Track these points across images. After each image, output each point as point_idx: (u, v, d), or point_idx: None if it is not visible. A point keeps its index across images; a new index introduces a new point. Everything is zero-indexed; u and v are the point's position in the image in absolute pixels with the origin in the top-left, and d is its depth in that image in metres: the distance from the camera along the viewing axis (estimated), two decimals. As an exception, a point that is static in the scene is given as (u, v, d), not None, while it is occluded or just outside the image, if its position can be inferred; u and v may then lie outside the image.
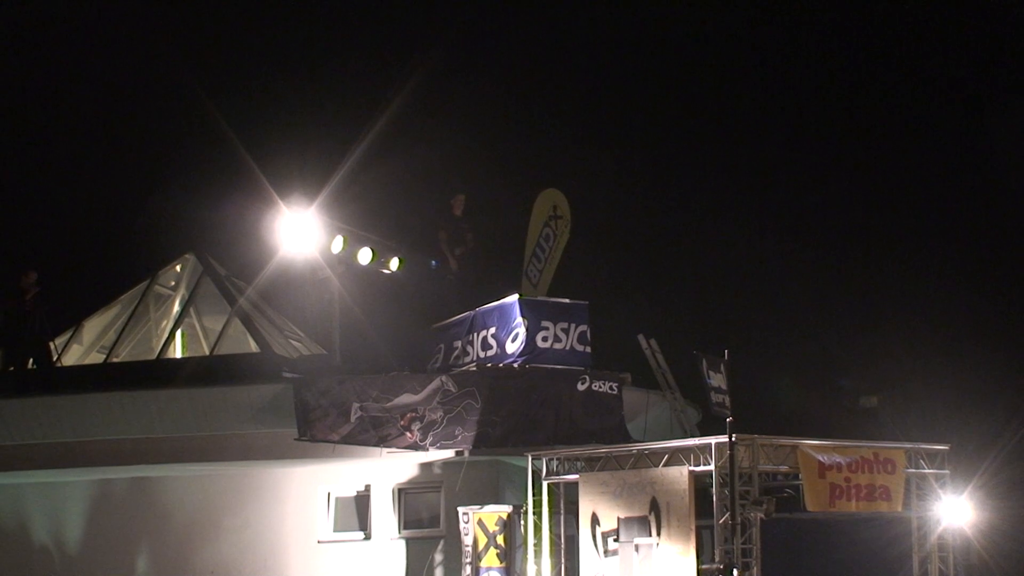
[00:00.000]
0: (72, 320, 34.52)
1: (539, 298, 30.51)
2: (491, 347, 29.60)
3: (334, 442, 28.81)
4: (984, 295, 43.87)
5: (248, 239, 32.73)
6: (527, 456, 28.08)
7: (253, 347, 31.84)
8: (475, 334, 30.09)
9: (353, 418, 28.59)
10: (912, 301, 43.91)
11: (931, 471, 27.10)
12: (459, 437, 28.35)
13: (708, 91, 49.37)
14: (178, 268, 34.55)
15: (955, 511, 27.15)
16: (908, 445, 26.98)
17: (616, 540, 26.19)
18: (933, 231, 46.57)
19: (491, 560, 28.16)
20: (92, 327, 34.60)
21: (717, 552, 25.18)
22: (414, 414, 28.46)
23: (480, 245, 32.84)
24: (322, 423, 28.64)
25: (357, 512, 31.46)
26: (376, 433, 28.57)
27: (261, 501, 32.14)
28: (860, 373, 40.39)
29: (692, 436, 27.92)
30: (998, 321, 42.81)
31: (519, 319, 29.00)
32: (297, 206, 31.09)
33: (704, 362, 25.78)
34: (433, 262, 32.39)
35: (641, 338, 30.12)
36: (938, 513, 27.09)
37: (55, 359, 33.34)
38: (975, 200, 46.45)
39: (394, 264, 32.55)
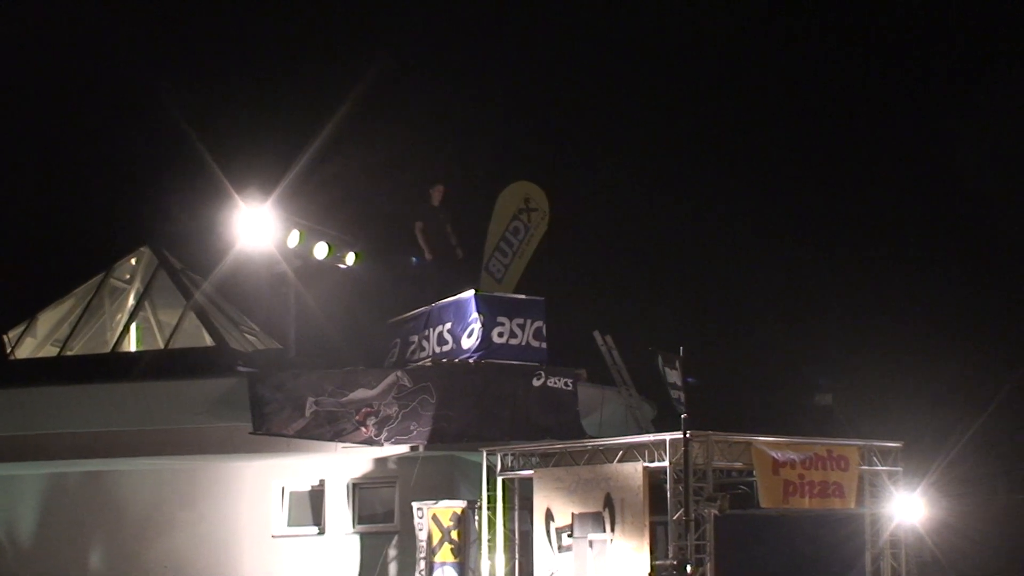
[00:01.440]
0: (26, 313, 34.33)
1: (495, 294, 30.36)
2: (447, 342, 29.47)
3: (289, 436, 28.74)
4: (939, 292, 44.06)
5: (204, 233, 32.57)
6: (482, 451, 28.13)
7: (208, 341, 31.74)
8: (431, 329, 29.97)
9: (308, 413, 28.53)
10: (867, 298, 44.10)
11: (884, 468, 27.13)
12: (414, 432, 28.22)
13: (665, 85, 49.41)
14: (133, 261, 34.32)
15: (908, 508, 27.18)
16: (861, 442, 27.01)
17: (570, 536, 26.13)
18: (889, 227, 46.78)
19: (445, 555, 28.19)
20: (46, 320, 34.38)
21: (671, 548, 24.99)
22: (369, 409, 28.37)
23: (459, 235, 32.57)
24: (277, 417, 28.60)
25: (311, 507, 31.57)
26: (331, 428, 28.50)
27: (215, 495, 32.19)
28: (815, 370, 40.50)
29: (647, 432, 27.88)
30: (952, 318, 43.00)
31: (475, 315, 28.85)
32: (253, 200, 30.98)
33: (660, 358, 25.63)
34: (414, 259, 32.21)
35: (597, 334, 30.21)
36: (891, 510, 27.11)
37: (9, 352, 33.19)
38: (931, 197, 46.65)
39: (350, 259, 32.54)
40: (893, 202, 46.56)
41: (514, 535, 28.02)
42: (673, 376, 25.54)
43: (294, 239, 31.32)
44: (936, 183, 46.36)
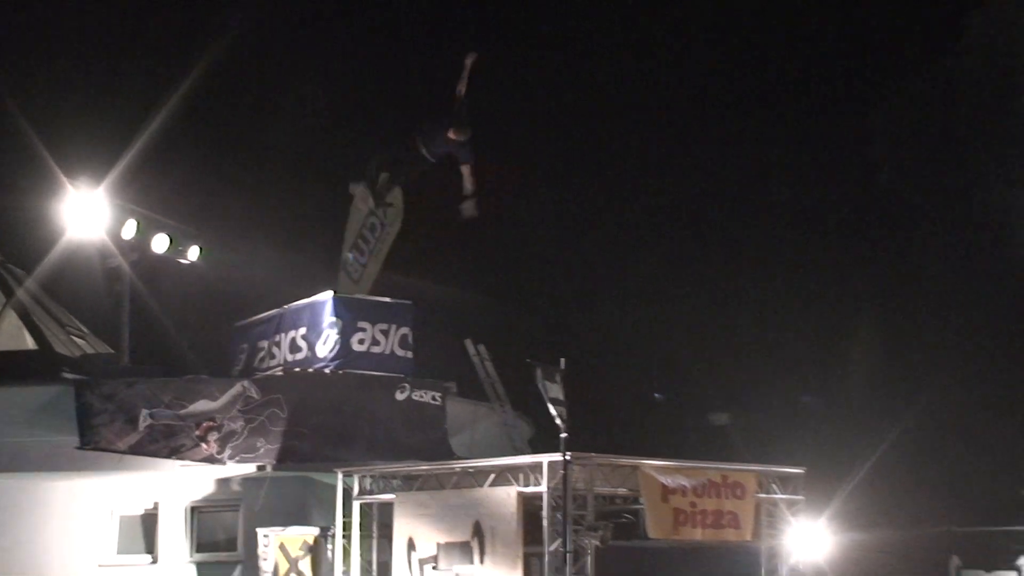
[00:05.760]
0: None
1: (356, 296, 30.24)
2: (300, 350, 29.38)
3: (120, 452, 28.34)
4: (844, 305, 44.56)
5: (27, 221, 32.31)
6: (337, 473, 27.93)
7: (30, 343, 31.65)
8: (283, 335, 29.86)
9: (142, 426, 28.14)
10: (767, 310, 44.39)
11: (784, 496, 27.11)
12: (261, 450, 28.09)
13: (543, 78, 49.53)
14: (-57, 253, 33.99)
15: (809, 541, 27.19)
16: (760, 468, 27.02)
17: (435, 568, 25.95)
18: (788, 236, 47.09)
19: (293, 588, 27.98)
20: None
21: (547, 583, 25.00)
22: (211, 423, 28.15)
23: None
24: (107, 430, 28.14)
25: (144, 532, 31.22)
26: (168, 443, 28.15)
27: (34, 518, 31.52)
28: (710, 387, 40.74)
29: (522, 453, 27.97)
30: (860, 334, 43.35)
31: (332, 319, 28.84)
32: (84, 185, 30.45)
33: (539, 371, 25.25)
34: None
35: (468, 343, 30.25)
36: (791, 543, 27.11)
37: None
38: (835, 207, 47.24)
39: (193, 253, 32.18)
40: (800, 212, 47.01)
41: (372, 566, 27.86)
42: (554, 391, 25.20)
43: (130, 230, 30.95)
44: (843, 190, 46.92)
